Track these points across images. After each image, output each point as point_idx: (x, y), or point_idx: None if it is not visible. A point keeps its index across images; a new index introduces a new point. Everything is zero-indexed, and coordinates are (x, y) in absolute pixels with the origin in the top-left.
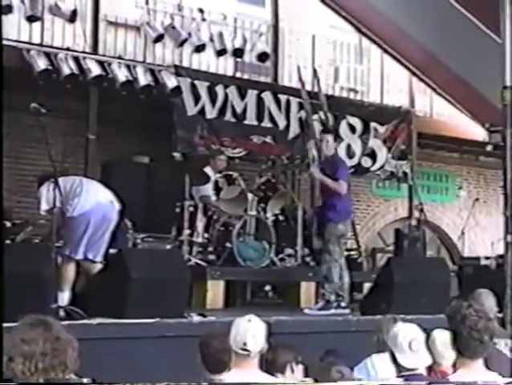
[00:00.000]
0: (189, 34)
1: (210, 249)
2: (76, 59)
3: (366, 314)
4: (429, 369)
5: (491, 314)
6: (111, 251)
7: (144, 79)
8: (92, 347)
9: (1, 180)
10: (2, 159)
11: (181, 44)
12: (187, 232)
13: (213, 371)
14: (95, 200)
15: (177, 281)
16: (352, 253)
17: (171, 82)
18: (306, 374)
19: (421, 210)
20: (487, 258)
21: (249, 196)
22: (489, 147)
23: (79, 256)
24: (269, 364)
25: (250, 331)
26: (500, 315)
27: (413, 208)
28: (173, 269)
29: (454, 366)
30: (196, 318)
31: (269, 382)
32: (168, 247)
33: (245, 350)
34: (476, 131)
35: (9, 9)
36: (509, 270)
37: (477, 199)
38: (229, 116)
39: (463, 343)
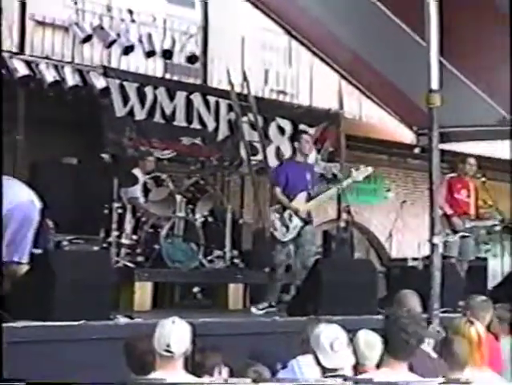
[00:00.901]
0: (118, 35)
1: (138, 250)
2: (2, 59)
3: (293, 315)
4: (354, 369)
5: (424, 321)
6: (36, 252)
7: (72, 79)
8: (18, 350)
9: (0, 180)
10: (2, 159)
11: (110, 45)
12: (115, 233)
13: (139, 373)
14: (16, 199)
15: (104, 283)
16: None
17: (99, 83)
18: (232, 376)
19: (348, 212)
20: (414, 259)
21: (178, 197)
22: (416, 150)
23: (4, 258)
24: (197, 366)
25: (174, 333)
26: (425, 316)
27: (342, 209)
28: (100, 271)
29: (378, 367)
30: (122, 320)
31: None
32: (96, 249)
33: (169, 351)
34: (404, 134)
35: None
36: (435, 271)
37: (404, 201)
38: (158, 118)
39: (391, 343)
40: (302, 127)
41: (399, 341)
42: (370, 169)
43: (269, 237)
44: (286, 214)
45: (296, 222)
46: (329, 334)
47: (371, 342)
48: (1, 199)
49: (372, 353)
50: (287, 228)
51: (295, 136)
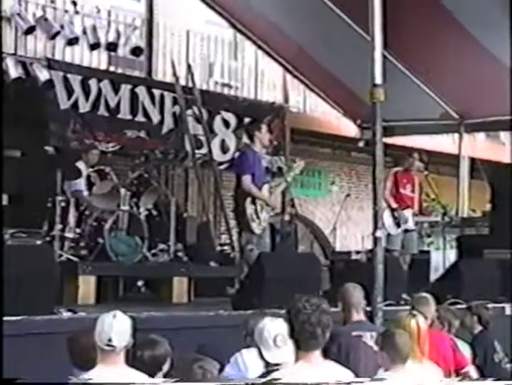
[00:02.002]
0: (62, 27)
1: (82, 244)
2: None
3: (238, 308)
4: None
5: (327, 307)
6: None
7: (14, 71)
8: None
9: (1, 179)
10: (2, 159)
11: (54, 37)
12: (59, 227)
13: (82, 368)
14: None
15: (47, 278)
16: (225, 248)
17: (43, 75)
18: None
19: (293, 205)
20: (358, 252)
21: (122, 191)
22: (360, 143)
23: None
24: (139, 361)
25: (115, 327)
26: (368, 309)
27: (286, 203)
28: (43, 265)
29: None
30: (65, 315)
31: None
32: (39, 242)
33: (110, 345)
34: (348, 128)
35: None
36: (378, 265)
37: (348, 194)
38: (102, 110)
39: (297, 337)
40: (246, 120)
41: (305, 333)
42: (302, 163)
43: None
44: (258, 206)
45: (265, 214)
46: (272, 329)
47: None
48: (0, 198)
49: None
50: (259, 219)
51: (257, 126)
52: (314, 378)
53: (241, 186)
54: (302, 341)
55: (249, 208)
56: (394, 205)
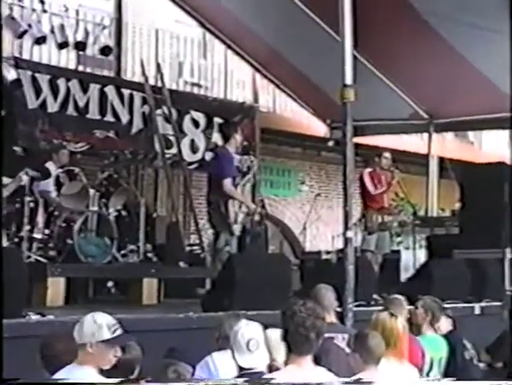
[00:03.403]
0: (29, 26)
1: (51, 245)
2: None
3: (208, 310)
4: (270, 367)
5: (321, 312)
6: None
7: None
8: None
9: (0, 179)
10: (2, 159)
11: (21, 36)
12: (27, 228)
13: (54, 373)
14: None
15: (14, 280)
16: (195, 248)
17: (10, 74)
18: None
19: (262, 206)
20: (328, 252)
21: (91, 191)
22: (330, 143)
23: None
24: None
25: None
26: (339, 310)
27: (256, 203)
28: (10, 267)
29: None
30: (34, 318)
31: None
32: (6, 244)
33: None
34: (318, 127)
35: None
36: (349, 265)
37: (318, 194)
38: (71, 110)
39: (291, 340)
40: (216, 120)
41: (298, 336)
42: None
43: (183, 229)
44: (237, 207)
45: (242, 215)
46: (246, 333)
47: (279, 340)
48: (0, 197)
49: (282, 350)
50: (236, 221)
51: (233, 127)
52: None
53: (221, 188)
54: (294, 344)
55: (232, 210)
56: (367, 206)
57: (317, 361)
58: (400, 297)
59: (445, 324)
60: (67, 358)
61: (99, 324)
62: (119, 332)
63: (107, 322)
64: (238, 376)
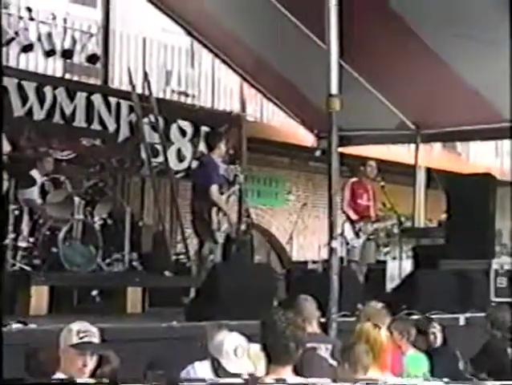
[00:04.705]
0: (16, 33)
1: (35, 253)
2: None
3: (191, 319)
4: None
5: (301, 322)
6: None
7: None
8: None
9: (1, 179)
10: (2, 159)
11: (8, 43)
12: (11, 236)
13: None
14: None
15: None
16: (181, 257)
17: None
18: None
19: (248, 215)
20: (314, 262)
21: (76, 199)
22: (317, 153)
23: None
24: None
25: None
26: (323, 320)
27: (242, 212)
28: None
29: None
30: (15, 326)
31: None
32: None
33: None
34: (305, 137)
35: None
36: (333, 275)
37: (305, 204)
38: (57, 118)
39: (270, 350)
40: (203, 129)
41: (278, 346)
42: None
43: (169, 238)
44: (221, 215)
45: (225, 224)
46: (232, 340)
47: (258, 350)
48: (1, 197)
49: (262, 360)
50: (220, 229)
51: (218, 137)
52: None
53: (206, 196)
54: (274, 354)
55: (215, 218)
56: (353, 217)
57: (299, 371)
58: (379, 307)
59: (430, 338)
60: (52, 368)
61: (69, 329)
62: (86, 339)
63: (78, 328)
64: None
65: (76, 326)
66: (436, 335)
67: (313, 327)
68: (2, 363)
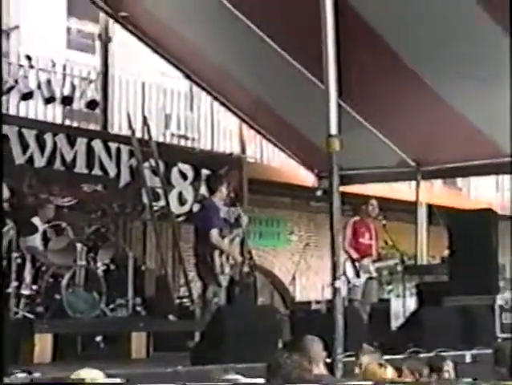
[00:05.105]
0: (16, 82)
1: (38, 300)
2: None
3: (196, 363)
4: None
5: (307, 364)
6: None
7: None
8: None
9: (1, 180)
10: (2, 160)
11: (8, 91)
12: (14, 284)
13: None
14: None
15: (1, 337)
16: (185, 300)
17: None
18: None
19: (250, 257)
20: (318, 302)
21: (79, 245)
22: (318, 192)
23: None
24: None
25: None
26: (328, 360)
27: (245, 254)
28: None
29: None
30: (20, 376)
31: None
32: None
33: None
34: (306, 177)
35: None
36: (338, 315)
37: (307, 244)
38: (58, 165)
39: None
40: (204, 171)
41: None
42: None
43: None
44: (224, 258)
45: (228, 267)
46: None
47: None
48: (1, 197)
49: None
50: (224, 272)
51: (219, 180)
52: None
53: (208, 239)
54: None
55: (218, 261)
56: (355, 256)
57: None
58: (367, 346)
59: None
60: None
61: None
62: None
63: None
64: None
65: (86, 374)
66: (450, 373)
67: (319, 368)
68: (2, 364)
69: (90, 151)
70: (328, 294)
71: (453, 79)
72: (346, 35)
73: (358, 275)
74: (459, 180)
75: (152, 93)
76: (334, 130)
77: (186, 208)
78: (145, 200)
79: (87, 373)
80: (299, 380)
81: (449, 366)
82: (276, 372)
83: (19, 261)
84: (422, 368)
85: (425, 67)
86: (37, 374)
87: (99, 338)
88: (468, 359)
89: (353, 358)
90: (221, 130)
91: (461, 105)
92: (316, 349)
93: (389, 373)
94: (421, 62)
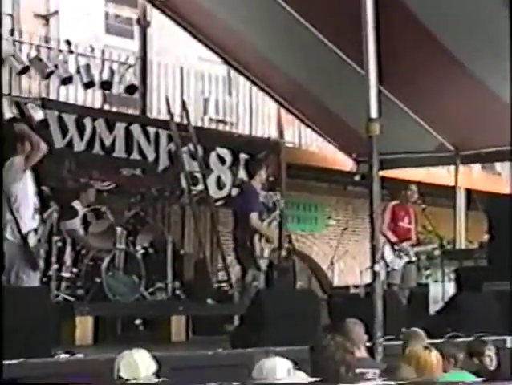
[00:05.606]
0: (56, 66)
1: (79, 283)
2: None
3: (237, 347)
4: None
5: (350, 346)
6: None
7: (9, 111)
8: None
9: (1, 182)
10: (2, 162)
11: (48, 76)
12: (55, 267)
13: None
14: None
15: (43, 319)
16: (223, 284)
17: (38, 114)
18: None
19: (289, 241)
20: (356, 287)
21: (118, 229)
22: (356, 177)
23: None
24: None
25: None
26: (369, 344)
27: (283, 238)
28: (39, 306)
29: None
30: (63, 356)
31: None
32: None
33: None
34: (344, 161)
35: None
36: (377, 299)
37: (345, 228)
38: (97, 149)
39: (321, 373)
40: (242, 156)
41: (328, 370)
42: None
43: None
44: (263, 242)
45: (267, 250)
46: (282, 364)
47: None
48: (1, 197)
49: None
50: (263, 256)
51: (258, 164)
52: None
53: (248, 223)
54: (324, 378)
55: (258, 245)
56: (393, 239)
57: None
58: (417, 330)
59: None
60: None
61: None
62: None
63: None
64: None
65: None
66: (492, 358)
67: (361, 352)
68: (1, 363)
69: (129, 135)
70: (366, 279)
71: (493, 62)
72: (385, 21)
73: (399, 258)
74: (498, 165)
75: (190, 78)
76: (374, 114)
77: (224, 192)
78: (184, 184)
79: (136, 353)
80: (342, 362)
81: (490, 351)
82: (320, 354)
83: (60, 244)
84: (457, 353)
85: (464, 51)
86: (80, 355)
87: (138, 321)
88: (509, 344)
89: (393, 342)
90: (259, 114)
91: (500, 89)
92: (358, 332)
93: (433, 356)
94: (460, 46)
